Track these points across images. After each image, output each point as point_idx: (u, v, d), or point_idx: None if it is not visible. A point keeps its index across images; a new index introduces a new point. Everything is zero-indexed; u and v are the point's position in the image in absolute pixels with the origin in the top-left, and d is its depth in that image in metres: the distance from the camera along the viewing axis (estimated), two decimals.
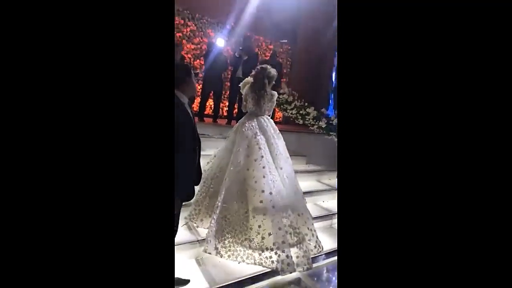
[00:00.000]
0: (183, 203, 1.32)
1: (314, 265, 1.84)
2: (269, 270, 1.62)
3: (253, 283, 1.58)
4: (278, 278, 1.65)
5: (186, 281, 1.45)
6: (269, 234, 1.64)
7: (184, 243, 1.68)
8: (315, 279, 1.76)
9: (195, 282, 1.48)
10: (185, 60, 3.72)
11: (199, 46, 4.41)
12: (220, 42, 3.69)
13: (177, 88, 1.23)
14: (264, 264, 1.62)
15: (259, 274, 1.61)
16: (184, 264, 1.63)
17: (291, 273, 1.60)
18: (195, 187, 1.38)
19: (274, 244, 1.61)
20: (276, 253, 1.60)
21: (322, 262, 1.91)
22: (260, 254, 1.63)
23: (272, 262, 1.60)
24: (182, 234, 1.77)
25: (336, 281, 1.79)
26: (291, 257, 1.61)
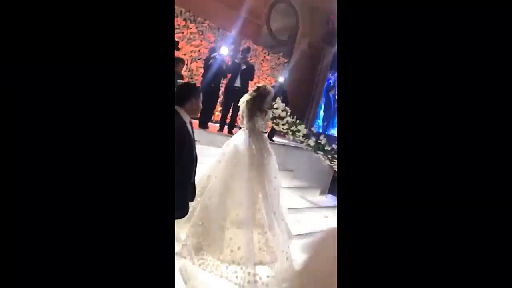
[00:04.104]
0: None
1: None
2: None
3: None
4: None
5: None
6: (238, 248, 1.68)
7: None
8: None
9: None
10: (185, 64, 3.68)
11: (197, 49, 4.41)
12: (224, 50, 3.72)
13: (181, 106, 1.27)
14: (229, 278, 1.65)
15: None
16: None
17: None
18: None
19: (241, 258, 1.65)
20: (241, 268, 1.64)
21: None
22: (227, 267, 1.67)
23: (236, 277, 1.63)
24: None
25: None
26: (256, 275, 1.63)
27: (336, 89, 6.84)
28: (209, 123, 3.93)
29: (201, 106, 1.33)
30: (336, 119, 6.87)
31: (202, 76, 3.76)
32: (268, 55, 5.47)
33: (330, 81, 6.79)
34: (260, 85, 2.23)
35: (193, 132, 1.33)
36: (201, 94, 1.33)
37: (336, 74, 6.84)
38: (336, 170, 3.49)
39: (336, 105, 6.70)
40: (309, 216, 2.86)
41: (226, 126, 3.82)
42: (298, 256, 2.19)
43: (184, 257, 1.71)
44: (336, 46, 5.88)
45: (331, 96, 6.98)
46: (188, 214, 1.93)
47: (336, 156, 3.20)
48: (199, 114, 1.40)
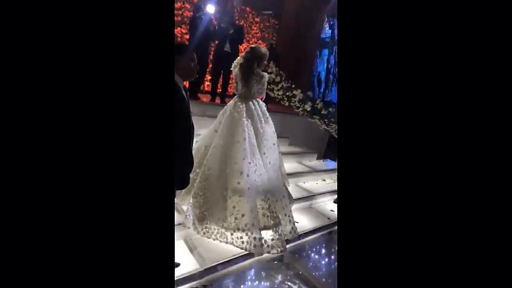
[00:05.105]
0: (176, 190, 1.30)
1: (295, 243, 2.01)
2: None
3: (241, 261, 1.67)
4: (263, 256, 1.76)
5: (177, 265, 1.49)
6: (242, 215, 1.71)
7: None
8: (296, 256, 1.92)
9: (185, 263, 1.53)
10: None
11: (180, 12, 4.04)
12: (210, 8, 3.39)
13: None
14: (235, 243, 1.70)
15: (247, 254, 1.71)
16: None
17: (260, 255, 1.70)
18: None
19: (245, 225, 1.69)
20: (246, 234, 1.69)
21: (302, 240, 2.07)
22: (232, 234, 1.71)
23: (242, 242, 1.69)
24: None
25: (315, 257, 1.97)
26: (262, 239, 1.69)
27: (330, 49, 6.58)
28: (200, 94, 3.75)
29: (195, 66, 1.20)
30: (330, 83, 6.72)
31: (188, 40, 3.48)
32: (257, 16, 5.09)
33: (326, 36, 6.46)
34: (253, 45, 2.06)
35: (188, 99, 1.23)
36: (194, 54, 1.19)
37: (329, 32, 6.51)
38: (332, 134, 3.48)
39: (334, 70, 6.50)
40: (307, 180, 2.90)
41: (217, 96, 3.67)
42: (299, 218, 2.27)
43: (188, 227, 1.72)
44: (331, 3, 5.51)
45: (324, 58, 6.73)
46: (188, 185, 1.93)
47: (332, 120, 3.17)
48: (194, 76, 1.26)
